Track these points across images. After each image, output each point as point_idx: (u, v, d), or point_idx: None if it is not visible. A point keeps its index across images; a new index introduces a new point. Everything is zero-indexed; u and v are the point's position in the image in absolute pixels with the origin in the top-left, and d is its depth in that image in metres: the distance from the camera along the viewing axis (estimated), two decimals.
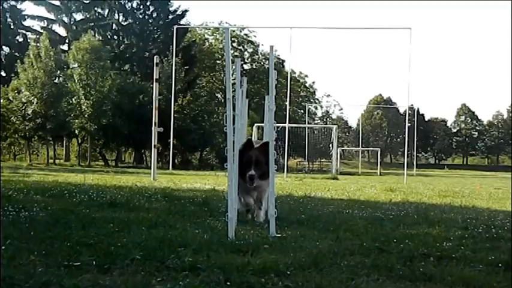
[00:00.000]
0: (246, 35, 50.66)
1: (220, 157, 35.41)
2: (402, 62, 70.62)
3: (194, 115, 32.76)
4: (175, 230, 3.28)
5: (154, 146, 12.48)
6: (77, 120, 31.27)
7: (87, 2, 44.26)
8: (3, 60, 44.94)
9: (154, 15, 43.06)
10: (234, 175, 3.45)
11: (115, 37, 44.85)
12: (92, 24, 43.87)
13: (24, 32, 46.50)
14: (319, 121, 72.71)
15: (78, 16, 45.63)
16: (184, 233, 3.19)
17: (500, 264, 2.61)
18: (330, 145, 32.55)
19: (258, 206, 4.14)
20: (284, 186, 9.88)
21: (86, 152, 36.42)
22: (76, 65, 32.46)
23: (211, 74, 49.48)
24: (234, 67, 4.09)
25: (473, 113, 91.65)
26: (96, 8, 44.91)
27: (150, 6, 42.98)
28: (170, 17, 42.48)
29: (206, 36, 50.13)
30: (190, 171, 23.19)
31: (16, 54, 42.11)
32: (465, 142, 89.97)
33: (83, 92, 31.30)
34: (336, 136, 30.91)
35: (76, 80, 31.47)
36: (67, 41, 44.38)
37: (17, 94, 30.91)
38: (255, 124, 24.16)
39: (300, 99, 57.24)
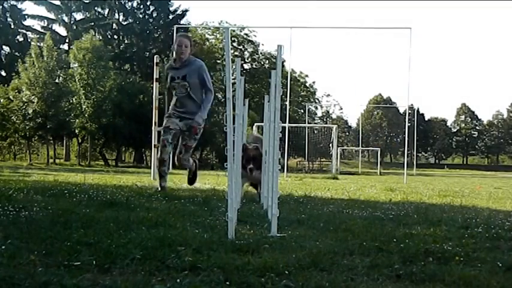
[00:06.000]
0: (246, 34, 50.63)
1: (220, 157, 35.42)
2: (402, 62, 70.65)
3: None
4: (175, 230, 3.28)
5: (155, 145, 12.47)
6: (77, 120, 31.29)
7: (88, 1, 44.29)
8: (3, 60, 44.94)
9: (155, 14, 43.11)
10: (234, 174, 3.44)
11: (115, 37, 44.88)
12: (92, 23, 43.94)
13: (24, 31, 46.51)
14: (319, 121, 72.75)
15: (79, 16, 45.71)
16: (184, 232, 3.19)
17: (500, 264, 2.61)
18: (330, 145, 32.54)
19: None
20: (284, 185, 9.88)
21: (86, 152, 36.44)
22: (77, 65, 32.48)
23: (212, 74, 49.47)
24: (234, 67, 4.09)
25: (473, 112, 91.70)
26: (96, 8, 44.95)
27: (150, 6, 43.00)
28: (170, 16, 42.54)
29: (206, 36, 50.12)
30: None
31: (16, 54, 42.14)
32: (465, 142, 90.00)
33: (83, 91, 31.33)
34: (336, 136, 30.91)
35: (77, 80, 31.50)
36: (67, 40, 44.40)
37: (17, 93, 30.92)
38: (255, 124, 24.17)
39: (300, 99, 57.23)
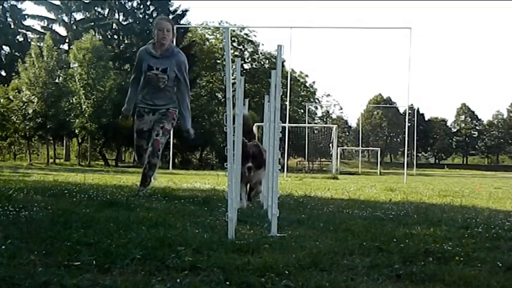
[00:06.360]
0: (246, 34, 50.65)
1: (220, 156, 35.45)
2: (402, 62, 70.72)
3: (194, 115, 32.70)
4: (175, 230, 3.28)
5: None
6: (77, 120, 31.29)
7: (88, 1, 44.26)
8: (3, 60, 44.94)
9: (155, 14, 43.03)
10: (234, 174, 3.44)
11: (115, 36, 44.85)
12: (92, 23, 43.90)
13: (24, 31, 46.50)
14: (319, 121, 72.80)
15: (79, 16, 45.69)
16: (184, 232, 3.19)
17: (500, 264, 2.61)
18: (330, 145, 32.55)
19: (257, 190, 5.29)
20: (284, 185, 9.88)
21: (86, 152, 36.45)
22: (77, 65, 32.50)
23: (212, 74, 49.48)
24: (234, 67, 4.09)
25: (473, 112, 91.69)
26: (96, 8, 44.90)
27: (150, 6, 42.97)
28: (170, 16, 42.43)
29: (206, 36, 50.13)
30: (190, 171, 23.20)
31: (16, 53, 42.14)
32: (465, 142, 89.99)
33: (83, 91, 31.33)
34: (336, 136, 30.91)
35: (77, 80, 31.50)
36: (67, 40, 44.41)
37: (17, 93, 30.94)
38: (255, 124, 24.17)
39: (300, 99, 57.26)
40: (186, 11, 43.29)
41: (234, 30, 47.61)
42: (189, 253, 2.55)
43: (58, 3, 44.76)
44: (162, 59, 5.76)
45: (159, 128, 5.85)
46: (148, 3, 42.78)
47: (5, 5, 45.25)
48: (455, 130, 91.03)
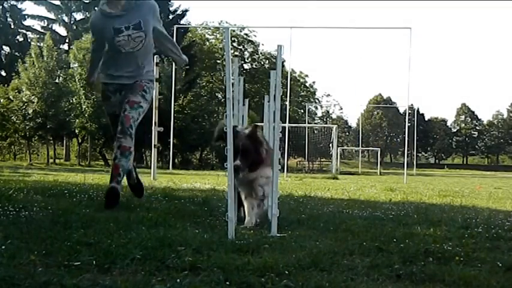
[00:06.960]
0: (246, 34, 50.68)
1: (220, 157, 35.42)
2: (402, 62, 70.74)
3: (194, 115, 32.75)
4: (175, 230, 3.28)
5: (154, 145, 12.47)
6: (77, 120, 31.31)
7: (88, 1, 44.31)
8: (3, 60, 44.97)
9: None
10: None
11: None
12: None
13: (24, 31, 46.56)
14: (319, 121, 72.84)
15: (79, 16, 45.78)
16: (184, 232, 3.19)
17: (500, 264, 2.61)
18: (330, 145, 32.56)
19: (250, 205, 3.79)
20: (284, 185, 9.88)
21: (86, 152, 36.47)
22: (77, 65, 32.53)
23: (212, 74, 49.48)
24: (234, 67, 4.08)
25: (473, 112, 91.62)
26: (96, 8, 44.98)
27: None
28: (170, 16, 42.46)
29: (206, 36, 50.14)
30: (190, 171, 23.20)
31: (16, 54, 42.18)
32: (465, 142, 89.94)
33: (83, 91, 31.35)
34: (336, 136, 30.92)
35: (77, 80, 31.52)
36: (67, 40, 44.44)
37: (17, 93, 30.96)
38: (255, 124, 24.18)
39: (300, 99, 57.28)
40: (186, 11, 43.26)
41: (234, 30, 47.62)
42: (189, 253, 2.55)
43: (58, 3, 44.85)
44: (128, 13, 4.45)
45: (125, 104, 4.53)
46: None
47: (5, 5, 45.30)
48: (455, 130, 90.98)
